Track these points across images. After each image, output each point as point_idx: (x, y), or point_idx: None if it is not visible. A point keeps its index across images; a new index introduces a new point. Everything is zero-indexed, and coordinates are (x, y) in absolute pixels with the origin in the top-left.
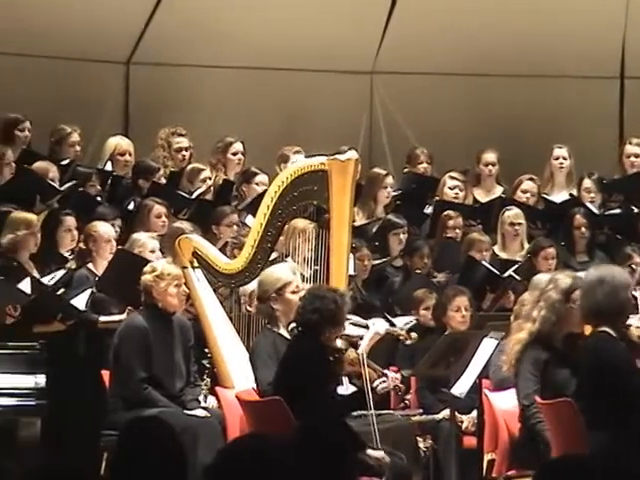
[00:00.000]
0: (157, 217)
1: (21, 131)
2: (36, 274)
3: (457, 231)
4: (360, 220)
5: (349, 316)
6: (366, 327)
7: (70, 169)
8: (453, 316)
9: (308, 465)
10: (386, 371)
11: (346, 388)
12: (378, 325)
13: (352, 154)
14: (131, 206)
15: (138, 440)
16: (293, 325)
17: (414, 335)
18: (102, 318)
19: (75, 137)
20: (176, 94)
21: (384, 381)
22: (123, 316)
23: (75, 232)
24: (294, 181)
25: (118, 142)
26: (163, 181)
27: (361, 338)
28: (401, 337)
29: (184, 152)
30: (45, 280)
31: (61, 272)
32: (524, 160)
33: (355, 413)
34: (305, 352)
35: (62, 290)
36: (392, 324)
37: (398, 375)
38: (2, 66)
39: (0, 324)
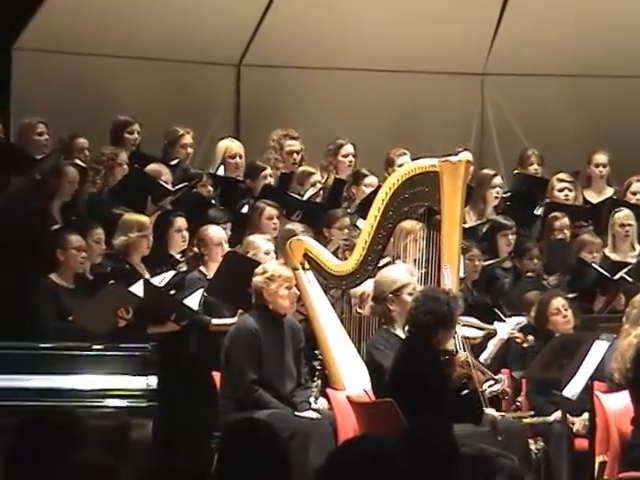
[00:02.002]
0: (269, 219)
1: (130, 134)
2: (147, 276)
3: (565, 232)
4: (470, 221)
5: (466, 318)
6: (481, 329)
7: (178, 169)
8: (556, 320)
9: (419, 466)
10: (493, 375)
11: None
12: (502, 330)
13: (464, 155)
14: (244, 209)
15: (239, 442)
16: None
17: (531, 338)
18: (214, 321)
19: (187, 139)
20: (286, 96)
21: (492, 384)
22: (235, 319)
23: (186, 233)
24: (405, 182)
25: (228, 145)
26: (270, 180)
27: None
28: (518, 340)
29: (295, 155)
30: (155, 281)
31: (171, 273)
32: (635, 161)
33: None
34: (417, 353)
35: (173, 292)
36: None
37: (506, 379)
38: (114, 69)
39: (113, 327)
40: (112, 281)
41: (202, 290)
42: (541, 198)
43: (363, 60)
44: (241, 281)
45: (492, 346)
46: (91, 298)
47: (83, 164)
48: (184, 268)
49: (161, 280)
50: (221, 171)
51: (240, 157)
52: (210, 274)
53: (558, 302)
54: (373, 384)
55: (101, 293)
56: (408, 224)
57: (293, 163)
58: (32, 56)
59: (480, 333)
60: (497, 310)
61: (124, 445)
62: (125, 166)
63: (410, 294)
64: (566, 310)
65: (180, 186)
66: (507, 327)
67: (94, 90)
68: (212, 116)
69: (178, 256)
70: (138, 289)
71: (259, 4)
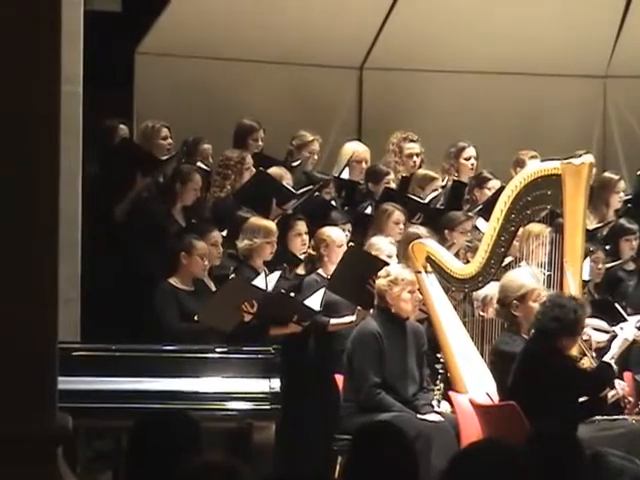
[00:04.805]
0: (396, 223)
1: (254, 140)
2: None
3: None
4: (591, 224)
5: (592, 320)
6: (607, 332)
7: (299, 172)
8: None
9: (543, 470)
10: (617, 381)
11: None
12: (627, 331)
13: (587, 158)
14: (367, 210)
15: (370, 445)
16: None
17: None
18: (332, 321)
19: (316, 146)
20: (408, 99)
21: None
22: (353, 317)
23: (305, 237)
24: (528, 185)
25: (356, 149)
26: (392, 185)
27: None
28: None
29: (415, 158)
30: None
31: (276, 275)
32: None
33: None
34: (541, 359)
35: (292, 294)
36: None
37: (626, 385)
38: (235, 72)
39: (239, 322)
40: (233, 275)
41: (323, 290)
42: None
43: (484, 63)
44: (361, 276)
45: (617, 347)
46: (214, 295)
47: (206, 167)
48: (302, 272)
49: (267, 282)
50: (346, 173)
51: (366, 162)
52: (329, 276)
53: None
54: (502, 385)
55: (223, 288)
56: (535, 228)
57: (412, 166)
58: (155, 60)
59: (607, 337)
60: (618, 306)
61: (247, 448)
62: (252, 169)
63: (535, 301)
64: None
65: (305, 189)
66: (632, 328)
67: (215, 94)
68: (334, 119)
69: (301, 256)
70: (260, 282)
71: (382, 8)
